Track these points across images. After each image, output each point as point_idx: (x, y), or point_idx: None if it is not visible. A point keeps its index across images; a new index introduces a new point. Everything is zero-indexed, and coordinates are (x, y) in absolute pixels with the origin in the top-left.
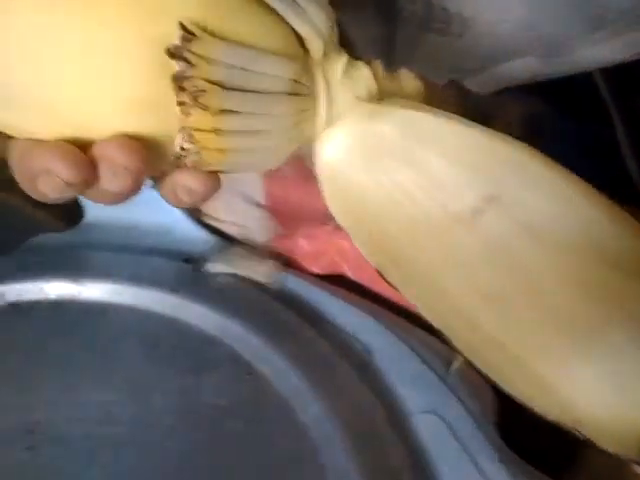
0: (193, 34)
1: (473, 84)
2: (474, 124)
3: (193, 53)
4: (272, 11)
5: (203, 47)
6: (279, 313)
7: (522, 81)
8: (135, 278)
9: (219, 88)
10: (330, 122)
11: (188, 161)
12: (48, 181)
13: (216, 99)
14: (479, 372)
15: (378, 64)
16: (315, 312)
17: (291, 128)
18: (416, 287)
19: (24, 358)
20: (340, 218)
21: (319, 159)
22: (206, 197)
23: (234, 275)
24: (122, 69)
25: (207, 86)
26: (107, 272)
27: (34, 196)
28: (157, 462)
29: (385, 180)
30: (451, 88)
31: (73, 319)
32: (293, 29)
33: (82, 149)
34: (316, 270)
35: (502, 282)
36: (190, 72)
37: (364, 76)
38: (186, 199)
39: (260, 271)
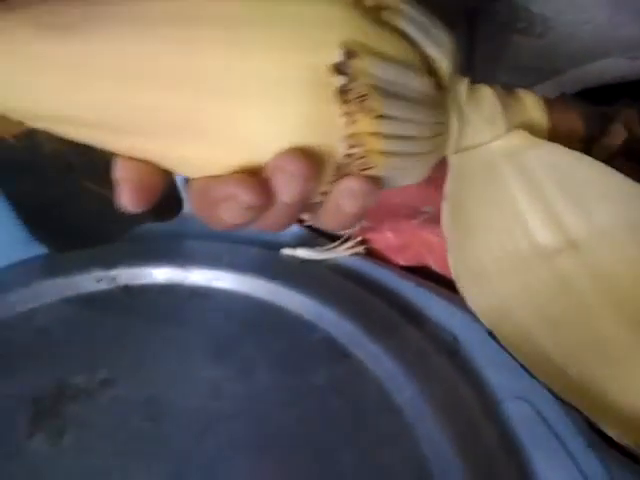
0: (354, 52)
1: (561, 84)
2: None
3: (353, 68)
4: (403, 36)
5: (362, 63)
6: (369, 301)
7: (608, 81)
8: (234, 265)
9: (380, 92)
10: (461, 141)
11: (353, 167)
12: (229, 208)
13: (377, 103)
14: None
15: (497, 87)
16: (402, 301)
17: (432, 138)
18: (491, 309)
19: (138, 338)
20: (449, 220)
21: (448, 177)
22: (368, 201)
23: (322, 262)
24: (289, 95)
25: (370, 91)
26: (209, 259)
27: (214, 226)
28: (264, 435)
29: (497, 202)
30: (571, 103)
31: (180, 302)
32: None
33: (253, 176)
34: (401, 262)
35: (567, 313)
36: (352, 85)
37: (487, 97)
38: (350, 205)
39: (347, 259)
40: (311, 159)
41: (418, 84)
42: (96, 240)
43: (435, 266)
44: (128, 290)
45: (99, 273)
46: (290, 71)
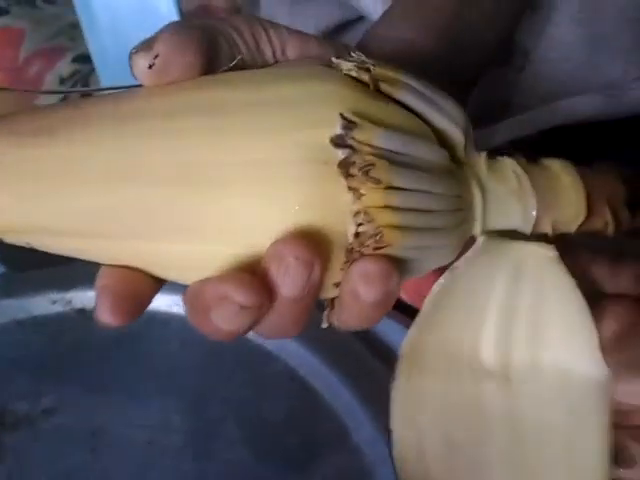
0: (354, 122)
1: (532, 121)
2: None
3: (355, 140)
4: (407, 109)
5: (364, 132)
6: (333, 332)
7: (583, 119)
8: None
9: (386, 162)
10: (489, 219)
11: (366, 248)
12: (222, 311)
13: (385, 173)
14: None
15: (518, 155)
16: (369, 332)
17: (454, 212)
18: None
19: (90, 363)
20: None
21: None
22: (390, 285)
23: None
24: (289, 177)
25: (375, 160)
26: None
27: (210, 336)
28: (213, 471)
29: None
30: (604, 165)
31: (138, 328)
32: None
33: (250, 272)
34: None
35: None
36: (355, 157)
37: (510, 167)
38: (367, 291)
39: None
40: (314, 242)
41: (429, 153)
42: (54, 260)
43: (405, 296)
44: (83, 313)
45: (54, 295)
46: (287, 153)
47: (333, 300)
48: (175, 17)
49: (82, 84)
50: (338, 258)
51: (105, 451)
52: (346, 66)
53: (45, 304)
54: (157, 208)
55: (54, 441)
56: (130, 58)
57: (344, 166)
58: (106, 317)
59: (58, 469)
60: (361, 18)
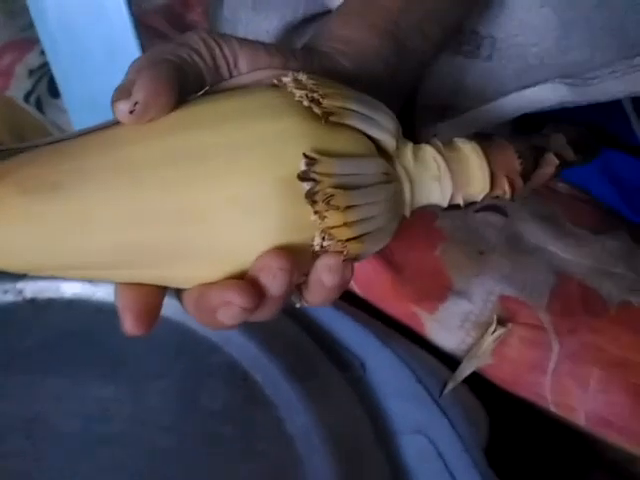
0: (314, 159)
1: (498, 109)
2: None
3: (317, 173)
4: (353, 130)
5: (323, 166)
6: (279, 323)
7: (549, 107)
8: None
9: (342, 190)
10: (414, 201)
11: (329, 250)
12: (227, 312)
13: (342, 199)
14: (474, 395)
15: (436, 141)
16: (315, 324)
17: (392, 209)
18: None
19: (34, 352)
20: None
21: None
22: (346, 273)
23: None
24: (267, 209)
25: (334, 191)
26: None
27: (212, 328)
28: (150, 460)
29: None
30: (504, 141)
31: (85, 318)
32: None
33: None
34: None
35: None
36: (318, 187)
37: (431, 155)
38: (330, 279)
39: None
40: (291, 255)
41: (373, 168)
42: None
43: (358, 290)
44: (34, 303)
45: (6, 285)
46: (264, 188)
47: (301, 285)
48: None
49: (49, 76)
50: (308, 261)
51: (40, 438)
52: (298, 94)
53: None
54: (157, 243)
55: None
56: (112, 104)
57: (309, 196)
58: (132, 332)
59: None
60: (328, 11)
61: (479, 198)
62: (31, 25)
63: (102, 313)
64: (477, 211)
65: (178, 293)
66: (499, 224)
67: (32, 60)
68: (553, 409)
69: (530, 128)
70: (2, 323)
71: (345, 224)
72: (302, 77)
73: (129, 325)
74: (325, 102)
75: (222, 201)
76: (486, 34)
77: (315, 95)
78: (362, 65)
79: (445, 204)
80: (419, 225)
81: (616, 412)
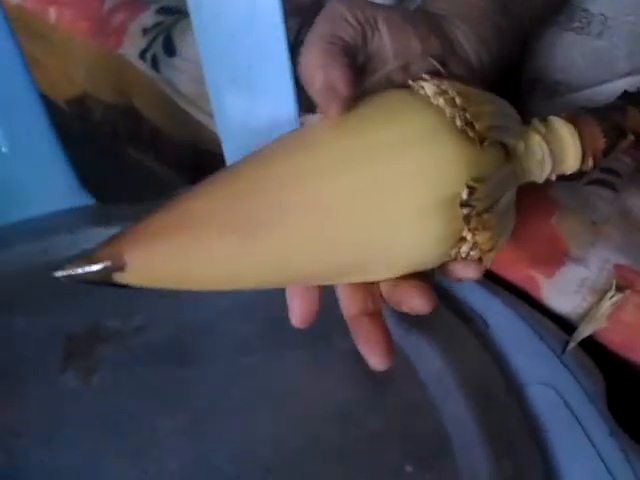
0: (474, 188)
1: (612, 90)
2: None
3: (473, 199)
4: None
5: (479, 193)
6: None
7: None
8: None
9: (492, 213)
10: (520, 183)
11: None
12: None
13: (491, 220)
14: (591, 357)
15: (539, 124)
16: (441, 286)
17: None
18: None
19: None
20: None
21: None
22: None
23: None
24: (431, 222)
25: (485, 215)
26: None
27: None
28: (286, 392)
29: None
30: (592, 119)
31: None
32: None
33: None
34: None
35: None
36: (474, 212)
37: (536, 142)
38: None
39: None
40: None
41: (508, 173)
42: (139, 197)
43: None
44: None
45: None
46: (430, 204)
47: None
48: None
49: (165, 35)
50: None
51: (189, 365)
52: (449, 112)
53: None
54: (342, 259)
55: (143, 356)
56: (322, 106)
57: (466, 218)
58: (298, 324)
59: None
60: None
61: (567, 173)
62: None
63: None
64: (587, 184)
65: None
66: (609, 197)
67: (146, 20)
68: None
69: None
70: None
71: (490, 237)
72: (446, 86)
73: (298, 317)
74: (478, 126)
75: (402, 208)
76: (597, 12)
77: (468, 116)
78: (476, 31)
79: (541, 182)
80: (533, 195)
81: None
